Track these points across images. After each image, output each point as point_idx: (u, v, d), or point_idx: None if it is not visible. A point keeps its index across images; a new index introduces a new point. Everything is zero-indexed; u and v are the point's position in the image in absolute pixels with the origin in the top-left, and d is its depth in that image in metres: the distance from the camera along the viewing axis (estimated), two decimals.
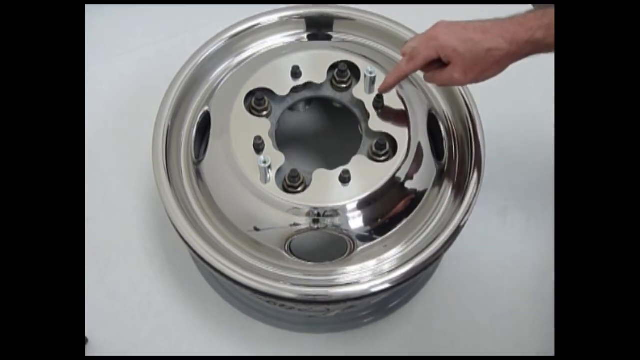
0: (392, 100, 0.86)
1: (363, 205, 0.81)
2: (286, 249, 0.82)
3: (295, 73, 0.88)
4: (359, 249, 0.83)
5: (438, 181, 0.88)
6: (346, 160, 0.83)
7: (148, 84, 1.14)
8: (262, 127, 0.84)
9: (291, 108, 0.90)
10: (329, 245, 0.85)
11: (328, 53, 0.91)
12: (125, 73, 1.17)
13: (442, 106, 0.93)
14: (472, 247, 0.99)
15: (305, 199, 0.80)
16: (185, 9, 1.24)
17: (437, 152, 0.90)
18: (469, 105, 0.90)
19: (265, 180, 0.81)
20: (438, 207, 0.85)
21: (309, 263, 0.83)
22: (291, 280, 0.79)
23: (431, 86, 0.93)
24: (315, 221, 0.81)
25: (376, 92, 0.86)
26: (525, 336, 0.97)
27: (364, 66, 0.87)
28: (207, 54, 0.93)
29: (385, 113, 0.86)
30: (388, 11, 0.98)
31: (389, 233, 0.83)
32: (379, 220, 0.83)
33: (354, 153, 0.84)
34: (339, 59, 0.89)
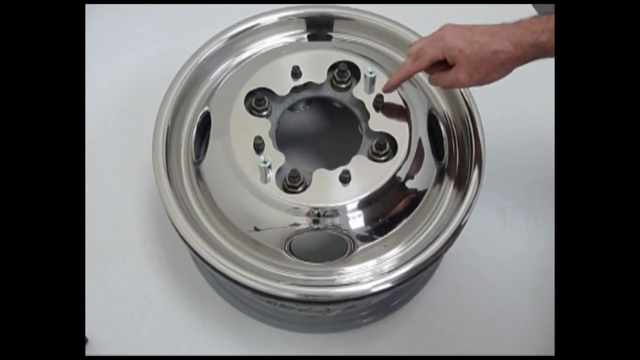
0: (392, 100, 0.86)
1: (363, 205, 0.81)
2: (286, 249, 0.82)
3: (296, 73, 0.88)
4: (359, 249, 0.83)
5: (438, 181, 0.88)
6: (346, 160, 0.83)
7: (148, 84, 1.14)
8: (262, 127, 0.85)
9: (291, 108, 0.90)
10: (329, 245, 0.85)
11: (328, 53, 0.91)
12: (125, 73, 1.17)
13: (442, 106, 0.93)
14: (472, 246, 0.99)
15: (305, 199, 0.80)
16: (185, 9, 1.24)
17: (437, 152, 0.90)
18: (469, 105, 0.90)
19: (265, 180, 0.81)
20: (438, 207, 0.85)
21: (309, 263, 0.83)
22: (291, 281, 0.79)
23: (431, 86, 0.93)
24: (316, 221, 0.81)
25: (376, 92, 0.86)
26: (525, 336, 0.97)
27: (364, 66, 0.87)
28: (207, 54, 0.93)
29: (386, 113, 0.86)
30: (388, 11, 0.98)
31: (389, 233, 0.83)
32: (379, 220, 0.83)
33: (354, 153, 0.84)
34: (339, 59, 0.89)
